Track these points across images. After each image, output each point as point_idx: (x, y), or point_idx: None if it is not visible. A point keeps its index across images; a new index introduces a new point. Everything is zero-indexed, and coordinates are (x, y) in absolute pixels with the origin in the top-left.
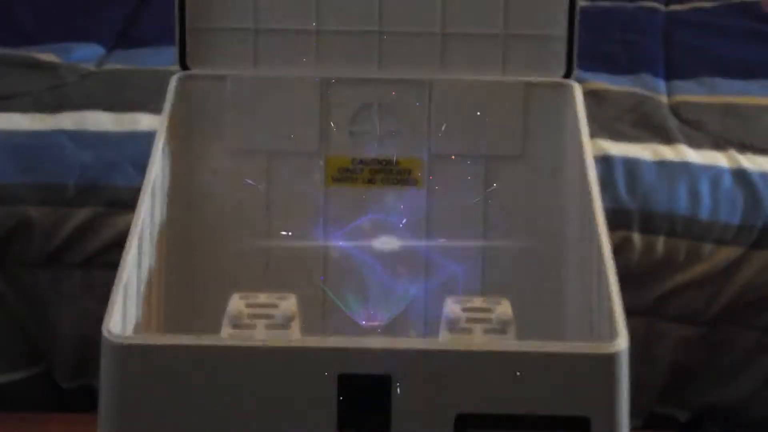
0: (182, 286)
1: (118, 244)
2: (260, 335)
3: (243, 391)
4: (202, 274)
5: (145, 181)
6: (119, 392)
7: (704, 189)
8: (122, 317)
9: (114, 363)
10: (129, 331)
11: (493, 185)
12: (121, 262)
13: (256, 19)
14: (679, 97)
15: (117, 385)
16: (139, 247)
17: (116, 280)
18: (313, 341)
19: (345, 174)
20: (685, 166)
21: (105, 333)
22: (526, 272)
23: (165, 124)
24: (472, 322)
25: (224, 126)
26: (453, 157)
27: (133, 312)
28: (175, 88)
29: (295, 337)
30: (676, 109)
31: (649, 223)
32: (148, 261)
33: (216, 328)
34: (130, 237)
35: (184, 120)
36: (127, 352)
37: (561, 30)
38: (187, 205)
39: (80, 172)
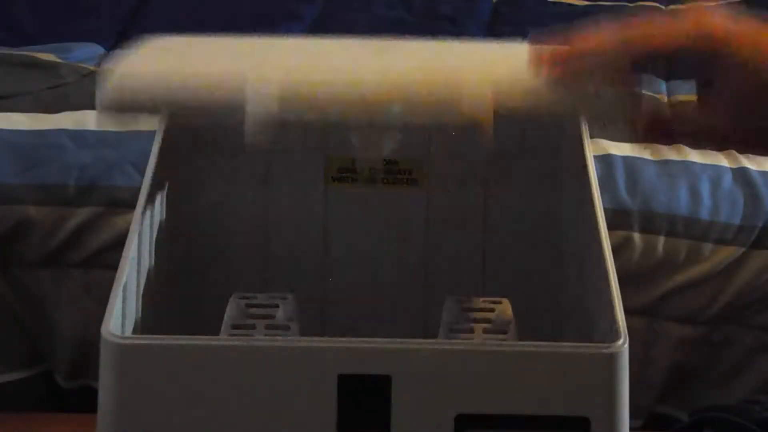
0: (182, 286)
1: (118, 244)
2: (260, 336)
3: (242, 392)
4: (202, 274)
5: (144, 181)
6: (118, 392)
7: (704, 189)
8: (121, 317)
9: (113, 363)
10: (129, 331)
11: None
12: (121, 262)
13: None
14: (680, 97)
15: (116, 385)
16: (139, 246)
17: (115, 280)
18: (313, 341)
19: (345, 174)
20: (686, 166)
21: (104, 333)
22: (526, 272)
23: (164, 122)
24: (472, 322)
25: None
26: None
27: (133, 312)
28: None
29: (294, 337)
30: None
31: (650, 223)
32: (148, 261)
33: (216, 329)
34: (129, 237)
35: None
36: (126, 352)
37: None
38: (186, 205)
39: (80, 172)
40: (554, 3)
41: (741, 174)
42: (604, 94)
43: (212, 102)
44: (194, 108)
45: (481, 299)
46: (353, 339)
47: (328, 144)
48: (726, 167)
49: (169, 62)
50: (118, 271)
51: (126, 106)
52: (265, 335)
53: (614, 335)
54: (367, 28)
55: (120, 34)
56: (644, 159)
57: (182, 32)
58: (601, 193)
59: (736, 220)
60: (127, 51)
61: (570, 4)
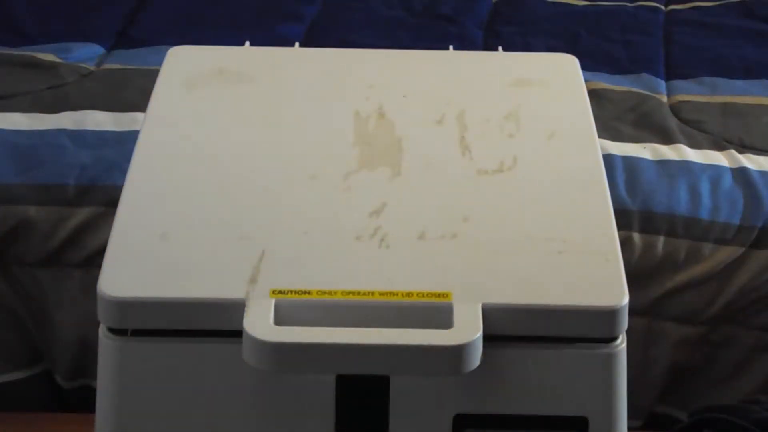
0: None
1: None
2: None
3: (240, 391)
4: None
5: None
6: (117, 390)
7: (704, 189)
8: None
9: (112, 357)
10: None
11: None
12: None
13: None
14: (679, 97)
15: (114, 384)
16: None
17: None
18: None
19: None
20: (685, 166)
21: (102, 331)
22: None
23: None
24: None
25: None
26: None
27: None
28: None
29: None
30: (676, 109)
31: (649, 223)
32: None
33: None
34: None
35: None
36: (125, 352)
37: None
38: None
39: (80, 172)
40: (554, 3)
41: (741, 174)
42: None
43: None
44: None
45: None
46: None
47: None
48: (726, 167)
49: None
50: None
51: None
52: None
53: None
54: (367, 29)
55: (120, 34)
56: (644, 159)
57: (181, 32)
58: None
59: (736, 220)
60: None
61: (569, 4)
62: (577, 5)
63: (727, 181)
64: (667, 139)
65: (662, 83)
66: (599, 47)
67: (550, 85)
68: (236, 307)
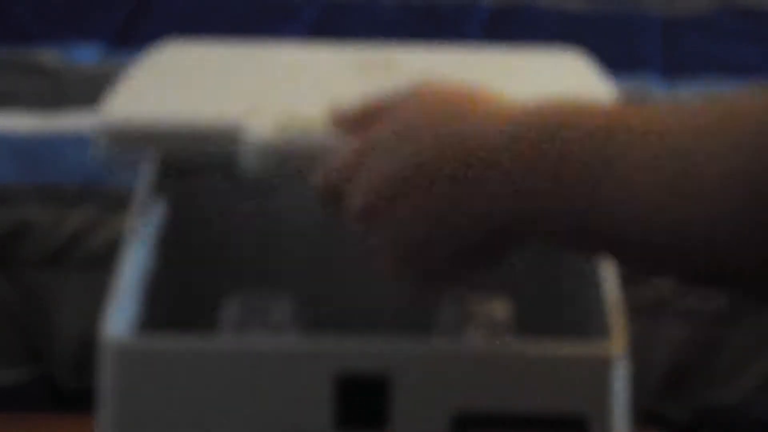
0: (180, 287)
1: (118, 244)
2: (258, 337)
3: (240, 393)
4: (200, 275)
5: (140, 181)
6: (118, 393)
7: None
8: (120, 319)
9: (113, 365)
10: (127, 332)
11: None
12: (119, 263)
13: None
14: (679, 97)
15: (116, 387)
16: (138, 247)
17: (114, 282)
18: (311, 342)
19: None
20: None
21: (104, 336)
22: (525, 270)
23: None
24: (470, 320)
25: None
26: None
27: (131, 313)
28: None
29: (292, 337)
30: None
31: None
32: (146, 262)
33: (214, 330)
34: (127, 238)
35: None
36: (126, 354)
37: None
38: (184, 204)
39: (80, 172)
40: (553, 4)
41: None
42: None
43: (207, 139)
44: (189, 146)
45: (479, 299)
46: (351, 339)
47: None
48: None
49: (168, 92)
50: (117, 272)
51: (121, 144)
52: (264, 336)
53: (613, 335)
54: (367, 29)
55: (120, 34)
56: None
57: (181, 32)
58: None
59: None
60: (130, 74)
61: (569, 6)
62: (576, 6)
63: None
64: None
65: (662, 84)
66: (599, 47)
67: (554, 83)
68: (236, 132)
